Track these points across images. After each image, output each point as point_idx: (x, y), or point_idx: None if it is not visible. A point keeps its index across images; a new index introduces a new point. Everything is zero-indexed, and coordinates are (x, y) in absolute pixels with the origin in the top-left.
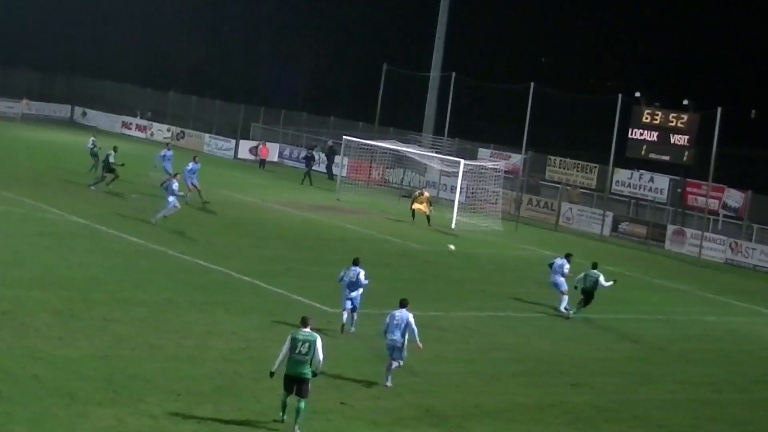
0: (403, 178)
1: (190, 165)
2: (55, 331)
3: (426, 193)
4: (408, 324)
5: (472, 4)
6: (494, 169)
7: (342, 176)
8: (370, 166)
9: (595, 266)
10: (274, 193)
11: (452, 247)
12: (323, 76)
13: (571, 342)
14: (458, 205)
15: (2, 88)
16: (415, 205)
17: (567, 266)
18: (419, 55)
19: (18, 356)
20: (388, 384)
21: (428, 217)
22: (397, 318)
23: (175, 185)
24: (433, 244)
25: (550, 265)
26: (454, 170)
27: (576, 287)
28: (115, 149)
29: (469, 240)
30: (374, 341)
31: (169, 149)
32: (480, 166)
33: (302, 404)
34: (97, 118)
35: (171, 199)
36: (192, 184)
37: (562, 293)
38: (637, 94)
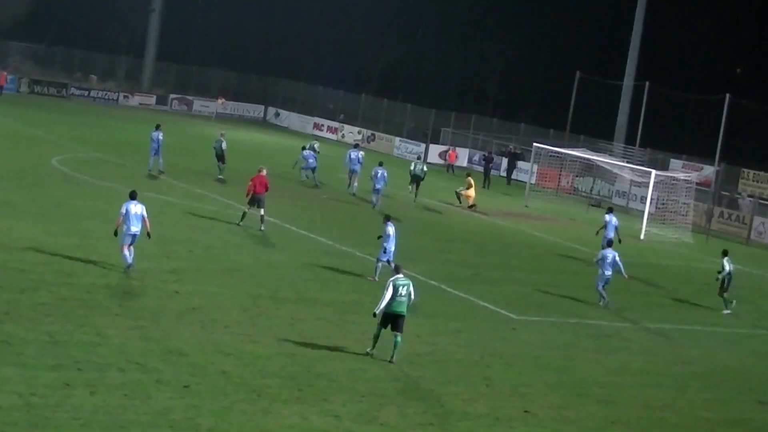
0: (592, 187)
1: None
2: (244, 327)
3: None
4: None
5: (667, 13)
6: (686, 180)
7: (530, 183)
8: (560, 174)
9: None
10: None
11: None
12: (515, 82)
13: (758, 357)
14: (648, 215)
15: (199, 88)
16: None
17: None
18: (613, 63)
19: (207, 351)
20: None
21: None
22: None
23: None
24: (622, 254)
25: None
26: (644, 180)
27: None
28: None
29: (658, 251)
30: (559, 351)
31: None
32: (671, 177)
33: (399, 338)
34: (289, 118)
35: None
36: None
37: None
38: None
